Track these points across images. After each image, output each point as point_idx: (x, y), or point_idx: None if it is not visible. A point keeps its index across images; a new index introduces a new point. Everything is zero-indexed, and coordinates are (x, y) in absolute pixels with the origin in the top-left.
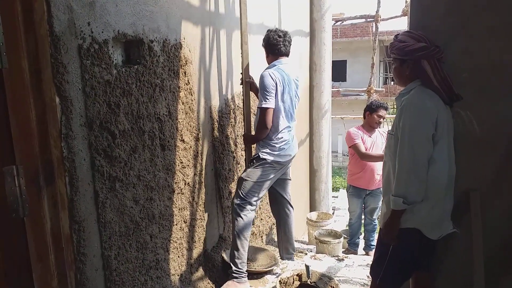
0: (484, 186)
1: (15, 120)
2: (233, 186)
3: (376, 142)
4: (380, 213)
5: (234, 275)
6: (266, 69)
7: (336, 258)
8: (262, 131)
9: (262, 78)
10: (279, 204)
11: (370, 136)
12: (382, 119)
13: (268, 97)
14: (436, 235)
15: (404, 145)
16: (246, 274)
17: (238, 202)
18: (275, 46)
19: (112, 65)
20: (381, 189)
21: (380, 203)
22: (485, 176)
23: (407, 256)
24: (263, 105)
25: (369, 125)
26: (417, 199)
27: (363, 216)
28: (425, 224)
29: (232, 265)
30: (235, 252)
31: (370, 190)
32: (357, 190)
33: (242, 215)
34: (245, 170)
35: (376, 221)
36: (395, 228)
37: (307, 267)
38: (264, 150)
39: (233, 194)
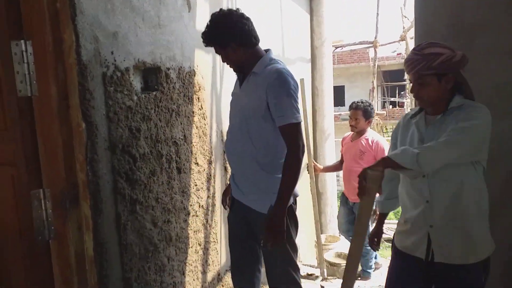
0: (489, 203)
1: (43, 145)
2: None
3: (351, 149)
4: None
5: None
6: (274, 63)
7: None
8: (301, 158)
9: (284, 75)
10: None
11: (351, 141)
12: (353, 121)
13: (297, 105)
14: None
15: (466, 138)
16: None
17: (294, 271)
18: (252, 32)
19: (133, 92)
20: None
21: None
22: (490, 193)
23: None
24: (298, 119)
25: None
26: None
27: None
28: None
29: None
30: None
31: (354, 203)
32: (343, 197)
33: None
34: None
35: (367, 244)
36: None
37: None
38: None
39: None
